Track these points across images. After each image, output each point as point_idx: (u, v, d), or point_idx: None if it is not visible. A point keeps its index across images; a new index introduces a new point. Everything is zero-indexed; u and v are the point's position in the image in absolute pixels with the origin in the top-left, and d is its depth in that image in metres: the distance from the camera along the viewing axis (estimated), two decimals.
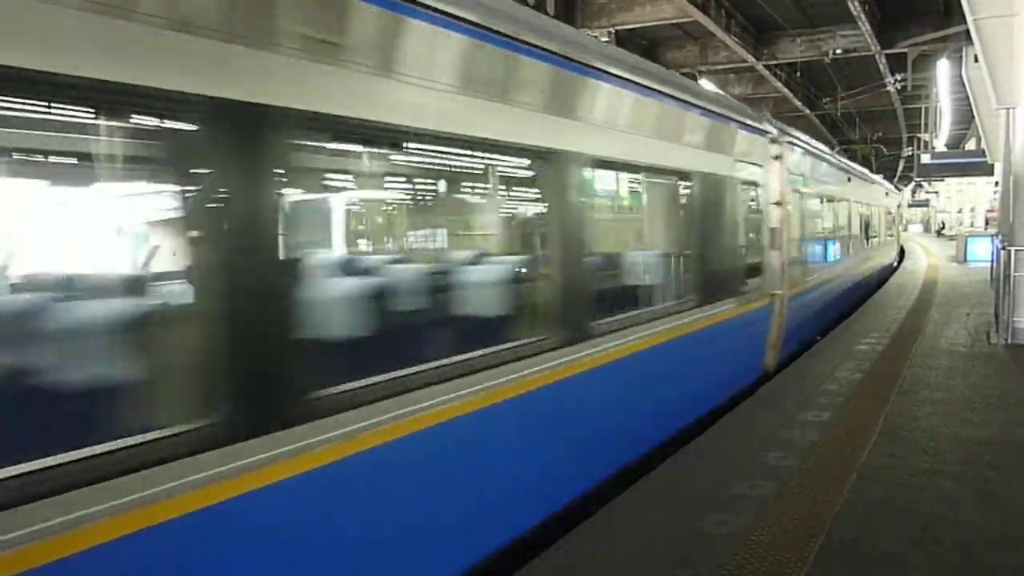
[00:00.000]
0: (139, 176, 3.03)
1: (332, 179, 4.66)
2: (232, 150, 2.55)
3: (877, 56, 20.61)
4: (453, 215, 5.71)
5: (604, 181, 5.79)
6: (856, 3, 16.20)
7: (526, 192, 5.34)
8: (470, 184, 5.35)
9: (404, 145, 3.68)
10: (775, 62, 21.64)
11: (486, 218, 5.78)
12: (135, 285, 3.24)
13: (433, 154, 4.06)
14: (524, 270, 4.97)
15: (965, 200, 52.77)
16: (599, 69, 4.84)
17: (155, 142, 2.61)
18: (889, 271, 22.21)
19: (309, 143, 3.10)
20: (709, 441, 5.86)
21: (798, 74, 24.71)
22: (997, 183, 21.22)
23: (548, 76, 4.40)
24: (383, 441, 3.06)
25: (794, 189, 9.57)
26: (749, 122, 7.92)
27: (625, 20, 17.65)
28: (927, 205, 60.74)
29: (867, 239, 17.86)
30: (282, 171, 2.75)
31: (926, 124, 30.67)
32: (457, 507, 3.57)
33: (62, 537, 2.08)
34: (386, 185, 5.23)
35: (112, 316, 2.92)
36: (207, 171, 2.52)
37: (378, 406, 3.05)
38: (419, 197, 5.43)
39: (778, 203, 8.73)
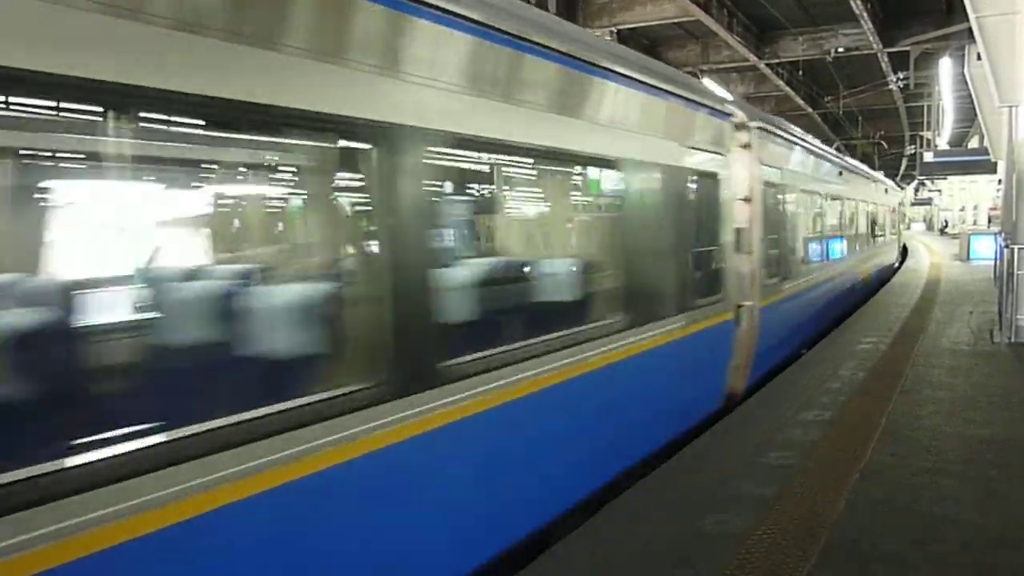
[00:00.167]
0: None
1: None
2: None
3: (879, 54, 20.59)
4: None
5: (467, 166, 4.56)
6: (858, 1, 16.19)
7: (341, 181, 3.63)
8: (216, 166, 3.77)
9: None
10: (777, 61, 21.63)
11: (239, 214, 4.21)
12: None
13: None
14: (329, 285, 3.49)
15: (968, 198, 52.61)
16: (445, 11, 3.49)
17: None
18: (890, 272, 21.29)
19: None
20: (710, 441, 5.85)
21: (800, 73, 24.70)
22: (1000, 181, 21.17)
23: (355, 15, 3.08)
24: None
25: (769, 183, 8.42)
26: (705, 102, 6.60)
27: (626, 19, 17.66)
28: (930, 203, 60.64)
29: (864, 239, 16.72)
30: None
31: (929, 122, 30.61)
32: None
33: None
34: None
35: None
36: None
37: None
38: None
39: (747, 199, 7.53)
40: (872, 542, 4.00)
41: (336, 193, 3.55)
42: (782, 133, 9.31)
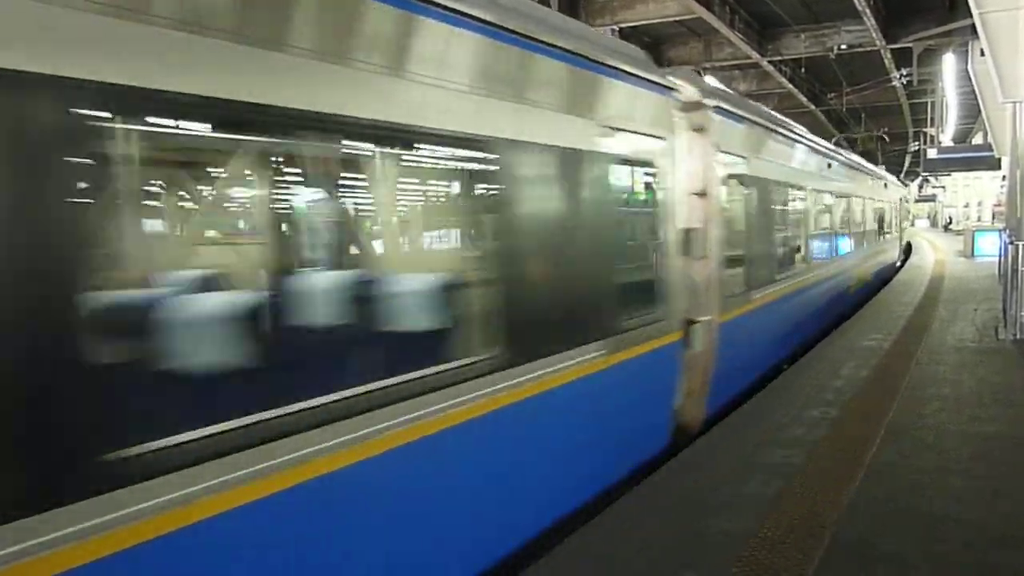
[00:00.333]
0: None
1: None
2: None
3: (882, 51, 20.54)
4: None
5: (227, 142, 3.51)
6: None
7: None
8: None
9: None
10: (780, 58, 21.59)
11: None
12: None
13: None
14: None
15: (972, 195, 52.46)
16: None
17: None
18: (891, 271, 20.44)
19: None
20: (714, 439, 5.83)
21: (803, 70, 24.64)
22: (1004, 177, 21.11)
23: None
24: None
25: (733, 175, 7.12)
26: (633, 71, 5.16)
27: (628, 17, 17.64)
28: (934, 200, 60.47)
29: (861, 238, 15.28)
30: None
31: (932, 119, 30.53)
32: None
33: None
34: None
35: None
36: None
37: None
38: None
39: (702, 193, 6.20)
40: (877, 541, 3.98)
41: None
42: (750, 116, 7.86)
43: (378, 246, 5.09)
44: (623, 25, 17.84)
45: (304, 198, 5.04)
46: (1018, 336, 9.75)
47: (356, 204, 5.17)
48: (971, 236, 26.82)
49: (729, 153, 7.00)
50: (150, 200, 5.05)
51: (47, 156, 2.09)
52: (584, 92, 4.66)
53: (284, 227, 4.99)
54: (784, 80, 23.97)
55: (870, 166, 19.04)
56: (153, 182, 4.88)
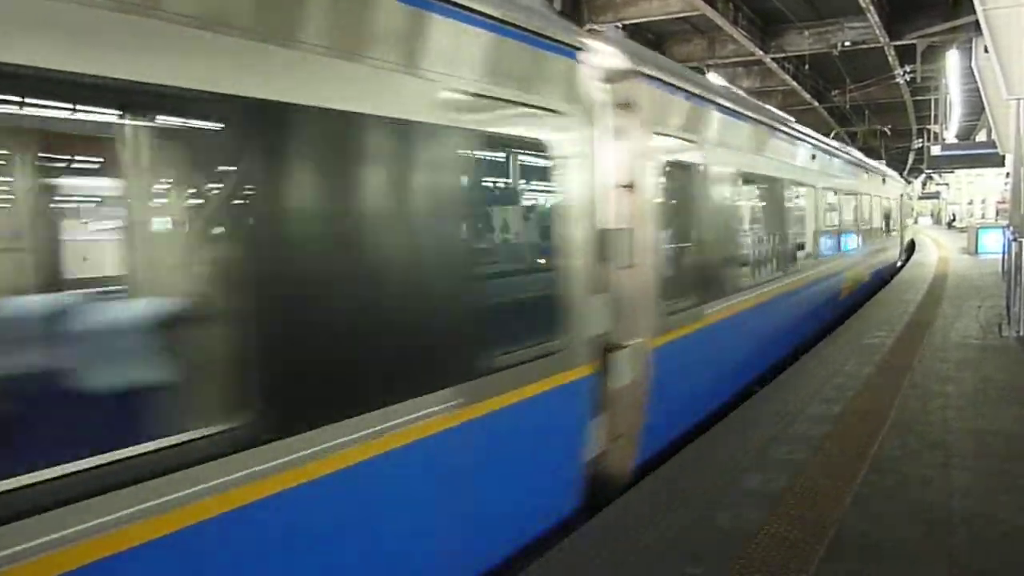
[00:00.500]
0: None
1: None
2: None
3: (886, 48, 20.47)
4: None
5: None
6: None
7: None
8: None
9: None
10: (783, 55, 21.52)
11: None
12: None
13: None
14: None
15: (976, 192, 52.35)
16: None
17: None
18: (891, 272, 19.32)
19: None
20: (718, 436, 5.85)
21: (806, 67, 24.59)
22: (1008, 174, 21.07)
23: None
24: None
25: (675, 164, 5.86)
26: (511, 20, 3.87)
27: (632, 14, 17.60)
28: (937, 197, 60.37)
29: (853, 238, 13.72)
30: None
31: (936, 116, 30.47)
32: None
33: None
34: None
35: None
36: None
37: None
38: None
39: (629, 186, 4.96)
40: (883, 535, 4.00)
41: None
42: (702, 92, 6.47)
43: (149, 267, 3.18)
44: (626, 22, 17.82)
45: None
46: (1021, 333, 9.75)
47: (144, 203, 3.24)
48: (975, 233, 26.80)
49: (671, 136, 5.78)
50: None
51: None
52: (424, 43, 3.34)
53: None
54: (787, 77, 23.92)
55: (865, 159, 17.40)
56: None
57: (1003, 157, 22.87)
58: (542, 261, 4.41)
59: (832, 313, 11.82)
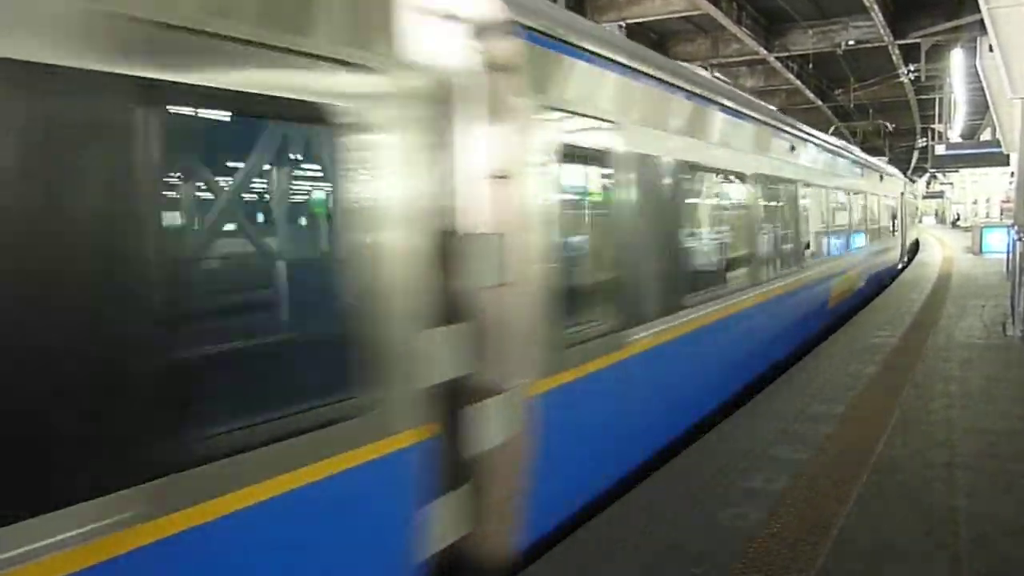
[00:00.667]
0: None
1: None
2: None
3: (890, 47, 20.44)
4: None
5: None
6: None
7: None
8: None
9: None
10: (787, 54, 21.50)
11: None
12: None
13: None
14: None
15: (980, 191, 52.25)
16: None
17: None
18: (890, 275, 17.93)
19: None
20: (721, 435, 5.84)
21: (810, 66, 24.57)
22: (1012, 174, 21.02)
23: None
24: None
25: (577, 148, 4.45)
26: None
27: (635, 13, 17.59)
28: (942, 196, 60.27)
29: (839, 242, 12.05)
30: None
31: (940, 115, 30.42)
32: None
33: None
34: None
35: None
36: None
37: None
38: None
39: (503, 176, 3.70)
40: (887, 534, 3.99)
41: None
42: (622, 59, 4.98)
43: None
44: (629, 21, 17.81)
45: None
46: None
47: None
48: (979, 232, 26.74)
49: (576, 113, 4.43)
50: None
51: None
52: None
53: None
54: (791, 76, 23.90)
55: (859, 153, 15.89)
56: None
57: (1007, 156, 22.82)
58: (334, 283, 2.91)
59: (818, 325, 10.47)
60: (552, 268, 4.05)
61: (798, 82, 24.74)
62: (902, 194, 21.37)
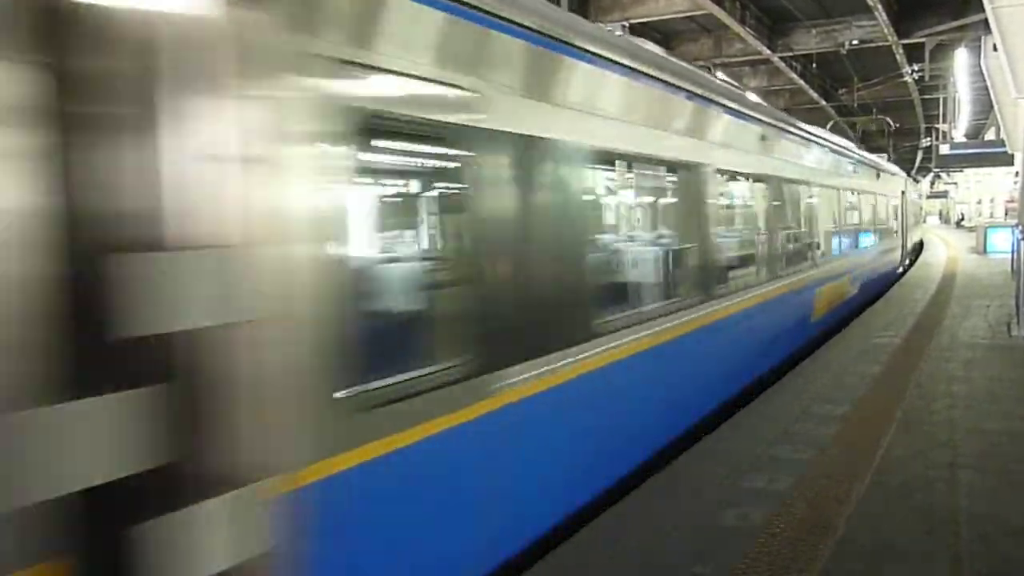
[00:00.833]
0: None
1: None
2: None
3: (894, 46, 20.40)
4: None
5: None
6: None
7: None
8: None
9: None
10: (790, 54, 21.49)
11: None
12: None
13: None
14: None
15: (984, 191, 52.14)
16: None
17: None
18: (889, 279, 16.90)
19: None
20: (722, 436, 5.84)
21: (814, 66, 24.53)
22: (1017, 173, 20.98)
23: None
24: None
25: (401, 120, 3.13)
26: None
27: (638, 13, 17.59)
28: (946, 196, 60.14)
29: (824, 247, 10.54)
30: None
31: (944, 114, 30.35)
32: None
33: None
34: None
35: None
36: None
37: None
38: None
39: (250, 161, 2.36)
40: (889, 534, 3.98)
41: None
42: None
43: None
44: (633, 21, 17.80)
45: None
46: None
47: None
48: (983, 232, 26.68)
49: (386, 70, 3.01)
50: None
51: None
52: None
53: None
54: (795, 76, 23.87)
55: (853, 148, 14.66)
56: None
57: (1012, 156, 22.77)
58: None
59: (803, 338, 9.40)
60: (347, 292, 2.80)
61: (801, 82, 24.70)
62: (903, 193, 20.40)
